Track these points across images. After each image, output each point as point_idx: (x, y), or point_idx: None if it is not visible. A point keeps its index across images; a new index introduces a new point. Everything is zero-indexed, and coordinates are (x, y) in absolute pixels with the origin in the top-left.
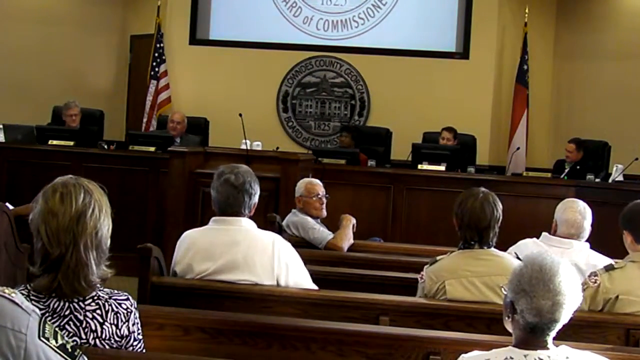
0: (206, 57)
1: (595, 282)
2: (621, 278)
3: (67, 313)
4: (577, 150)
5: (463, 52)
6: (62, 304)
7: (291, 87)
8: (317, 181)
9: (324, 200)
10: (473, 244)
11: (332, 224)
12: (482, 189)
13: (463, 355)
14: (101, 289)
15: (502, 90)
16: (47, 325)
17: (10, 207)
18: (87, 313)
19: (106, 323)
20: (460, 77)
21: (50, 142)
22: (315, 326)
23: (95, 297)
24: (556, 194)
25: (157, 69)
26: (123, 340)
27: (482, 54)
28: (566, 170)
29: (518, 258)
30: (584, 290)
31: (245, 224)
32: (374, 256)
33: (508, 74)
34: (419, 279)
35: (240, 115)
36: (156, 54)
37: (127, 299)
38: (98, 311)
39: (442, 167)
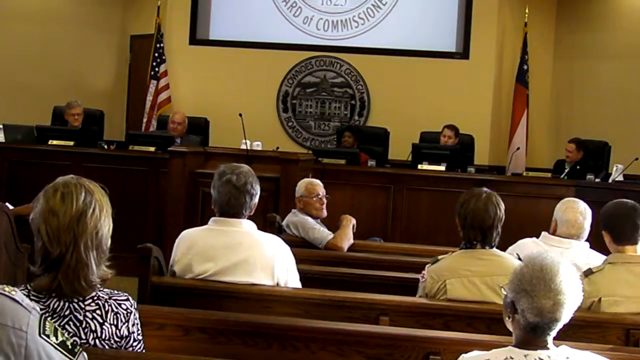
0: (206, 57)
1: None
2: (601, 281)
3: (67, 313)
4: (577, 150)
5: (463, 52)
6: (62, 304)
7: (291, 87)
8: (318, 181)
9: (325, 200)
10: (475, 244)
11: (332, 224)
12: (485, 189)
13: (463, 355)
14: (101, 289)
15: (502, 90)
16: (47, 323)
17: (10, 207)
18: (87, 313)
19: (106, 323)
20: (460, 77)
21: (50, 142)
22: (315, 326)
23: (95, 298)
24: (556, 194)
25: (157, 69)
26: (123, 341)
27: (482, 54)
28: (566, 170)
29: (519, 258)
30: None
31: (246, 226)
32: (374, 256)
33: (508, 74)
34: (420, 277)
35: (240, 115)
36: (156, 54)
37: (127, 300)
38: (98, 311)
39: (442, 167)
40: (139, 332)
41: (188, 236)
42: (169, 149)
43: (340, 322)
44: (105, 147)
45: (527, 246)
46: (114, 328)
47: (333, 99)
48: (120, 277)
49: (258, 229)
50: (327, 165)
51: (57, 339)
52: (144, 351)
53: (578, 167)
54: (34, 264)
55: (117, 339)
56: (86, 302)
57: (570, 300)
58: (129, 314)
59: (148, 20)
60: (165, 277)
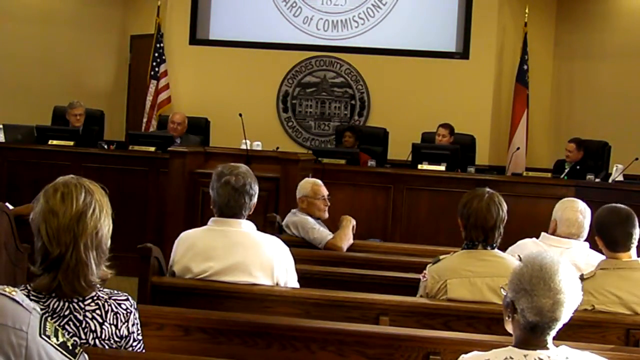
0: (206, 57)
1: None
2: (592, 289)
3: (66, 313)
4: (577, 150)
5: (463, 52)
6: (61, 304)
7: (291, 87)
8: (321, 182)
9: (328, 202)
10: (477, 245)
11: (332, 224)
12: (487, 189)
13: (463, 355)
14: (101, 289)
15: (502, 90)
16: (47, 323)
17: (10, 207)
18: (87, 313)
19: (106, 323)
20: (460, 77)
21: (50, 142)
22: (315, 326)
23: (95, 298)
24: (556, 194)
25: (157, 69)
26: (122, 341)
27: (482, 54)
28: (566, 170)
29: (520, 260)
30: None
31: (245, 226)
32: (374, 256)
33: (508, 74)
34: (422, 277)
35: (240, 115)
36: (156, 54)
37: (127, 299)
38: (98, 311)
39: (442, 167)
40: (139, 332)
41: (187, 237)
42: (169, 149)
43: (340, 322)
44: (105, 147)
45: (527, 246)
46: (113, 328)
47: (333, 99)
48: (120, 277)
49: (258, 229)
50: (327, 165)
51: (57, 340)
52: (143, 351)
53: (578, 167)
54: (34, 263)
55: (116, 339)
56: (86, 302)
57: (570, 300)
58: (128, 314)
59: (148, 20)
60: (165, 277)
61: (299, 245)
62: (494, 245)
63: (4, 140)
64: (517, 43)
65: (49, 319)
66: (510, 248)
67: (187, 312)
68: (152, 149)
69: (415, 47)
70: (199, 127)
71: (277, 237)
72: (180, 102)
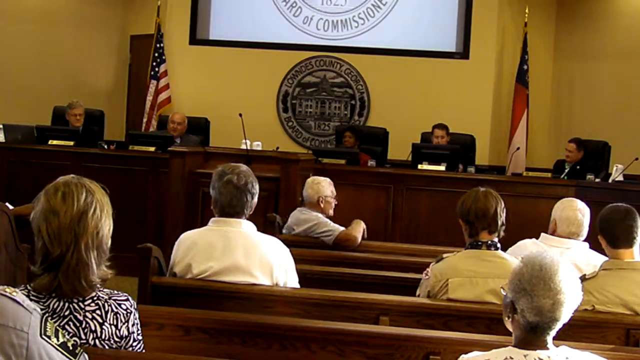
0: (206, 57)
1: None
2: (594, 289)
3: (66, 313)
4: (577, 150)
5: (463, 52)
6: (62, 304)
7: (291, 87)
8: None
9: None
10: (481, 245)
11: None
12: (481, 187)
13: (463, 355)
14: (101, 289)
15: (502, 90)
16: (48, 324)
17: (10, 207)
18: (87, 313)
19: (106, 324)
20: (460, 77)
21: (50, 142)
22: (315, 326)
23: (95, 298)
24: (556, 194)
25: (157, 69)
26: (122, 341)
27: (482, 54)
28: (566, 170)
29: None
30: None
31: (246, 227)
32: (374, 256)
33: (508, 74)
34: (424, 275)
35: (240, 115)
36: (156, 54)
37: (127, 300)
38: (98, 312)
39: (442, 167)
40: (139, 332)
41: (188, 237)
42: (169, 149)
43: (340, 322)
44: (105, 147)
45: (527, 247)
46: (113, 328)
47: (333, 99)
48: (120, 277)
49: (258, 229)
50: (327, 165)
51: (58, 340)
52: (144, 351)
53: (578, 167)
54: (34, 263)
55: (117, 339)
56: (86, 303)
57: (570, 300)
58: (128, 314)
59: (148, 20)
60: (165, 277)
61: (298, 245)
62: (498, 234)
63: (4, 140)
64: (517, 43)
65: (49, 319)
66: (510, 249)
67: (187, 312)
68: (152, 149)
69: (415, 47)
70: (199, 127)
71: (277, 237)
72: (180, 102)
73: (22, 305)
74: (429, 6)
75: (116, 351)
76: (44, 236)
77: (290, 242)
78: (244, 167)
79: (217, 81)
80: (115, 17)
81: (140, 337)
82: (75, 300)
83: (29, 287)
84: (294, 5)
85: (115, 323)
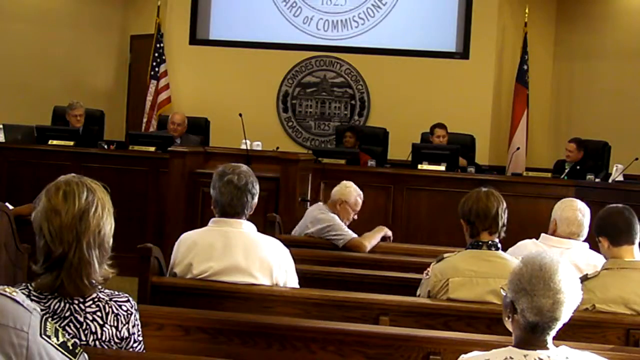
0: (206, 57)
1: None
2: (596, 288)
3: (67, 314)
4: (577, 150)
5: (463, 52)
6: (62, 305)
7: (291, 87)
8: (362, 196)
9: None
10: (482, 245)
11: None
12: (483, 187)
13: (463, 355)
14: (102, 290)
15: (502, 90)
16: (48, 323)
17: (10, 207)
18: (87, 315)
19: (106, 325)
20: (460, 77)
21: (50, 142)
22: (315, 326)
23: (96, 299)
24: (556, 194)
25: (157, 69)
26: (123, 342)
27: (482, 54)
28: (566, 170)
29: None
30: None
31: (246, 227)
32: (374, 256)
33: (508, 74)
34: (425, 274)
35: (240, 115)
36: (156, 54)
37: (128, 301)
38: (98, 313)
39: (442, 167)
40: (139, 333)
41: (188, 238)
42: (169, 149)
43: (340, 322)
44: (105, 147)
45: (527, 247)
46: (114, 330)
47: (333, 99)
48: (120, 277)
49: (258, 229)
50: (327, 165)
51: (58, 340)
52: (144, 352)
53: (578, 167)
54: (36, 262)
55: (117, 341)
56: (87, 304)
57: (570, 299)
58: (129, 315)
59: (148, 20)
60: (165, 277)
61: (299, 245)
62: (499, 234)
63: (4, 140)
64: (517, 43)
65: (49, 319)
66: (510, 249)
67: (187, 312)
68: (152, 149)
69: (415, 47)
70: (199, 127)
71: (277, 238)
72: (180, 102)
73: (22, 305)
74: (429, 6)
75: (117, 351)
76: (45, 235)
77: (291, 242)
78: (244, 167)
79: (217, 81)
80: (115, 17)
81: (140, 338)
82: (76, 302)
83: (29, 287)
84: (294, 5)
85: (115, 324)
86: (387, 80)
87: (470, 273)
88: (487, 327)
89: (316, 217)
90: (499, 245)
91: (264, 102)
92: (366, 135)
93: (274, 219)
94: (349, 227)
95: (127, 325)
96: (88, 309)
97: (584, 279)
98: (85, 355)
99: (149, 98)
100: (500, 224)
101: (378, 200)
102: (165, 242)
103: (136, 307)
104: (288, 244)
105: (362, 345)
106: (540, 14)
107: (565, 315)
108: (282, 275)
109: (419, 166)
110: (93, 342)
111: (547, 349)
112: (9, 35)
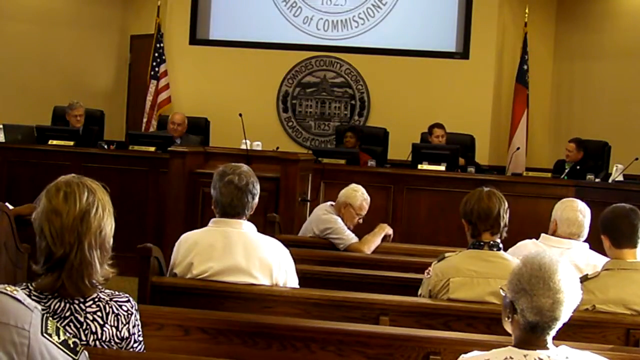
0: (206, 57)
1: None
2: (596, 289)
3: (67, 314)
4: (577, 150)
5: (463, 52)
6: (62, 305)
7: (291, 87)
8: (369, 201)
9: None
10: (483, 245)
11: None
12: (485, 187)
13: (463, 355)
14: (102, 290)
15: (502, 90)
16: (49, 322)
17: (10, 207)
18: (88, 315)
19: (106, 325)
20: (460, 77)
21: (50, 142)
22: (315, 326)
23: (96, 299)
24: (556, 194)
25: (157, 69)
26: (123, 343)
27: (482, 54)
28: (566, 170)
29: None
30: None
31: (246, 227)
32: (374, 256)
33: (508, 74)
34: (425, 274)
35: (240, 115)
36: (156, 54)
37: (128, 301)
38: (98, 313)
39: (442, 167)
40: (140, 333)
41: (188, 238)
42: (169, 149)
43: (340, 322)
44: (106, 147)
45: (527, 248)
46: (114, 330)
47: (333, 99)
48: (120, 277)
49: (258, 229)
50: (327, 165)
51: (59, 338)
52: (144, 352)
53: (578, 167)
54: (37, 263)
55: (117, 341)
56: (87, 304)
57: (570, 299)
58: (129, 316)
59: (148, 20)
60: (165, 277)
61: (299, 245)
62: (501, 235)
63: (4, 140)
64: (517, 43)
65: (50, 317)
66: (510, 249)
67: (187, 312)
68: (152, 149)
69: (415, 47)
70: (199, 127)
71: (277, 238)
72: (180, 102)
73: (23, 304)
74: (429, 6)
75: (117, 351)
76: (46, 236)
77: (291, 242)
78: (245, 167)
79: (217, 81)
80: (115, 17)
81: (140, 339)
82: (76, 302)
83: (30, 287)
84: (294, 5)
85: (115, 324)
86: (387, 80)
87: (471, 273)
88: (487, 327)
89: (319, 217)
90: (501, 245)
91: (264, 102)
92: (366, 135)
93: (274, 219)
94: (353, 230)
95: (127, 325)
96: (88, 309)
97: (584, 279)
98: (86, 353)
99: (149, 98)
100: (502, 224)
101: (378, 200)
102: (165, 242)
103: (136, 307)
104: (288, 244)
105: (362, 345)
106: (540, 14)
107: (565, 315)
108: (282, 275)
109: (419, 166)
110: (93, 342)
111: (547, 349)
112: (9, 35)
